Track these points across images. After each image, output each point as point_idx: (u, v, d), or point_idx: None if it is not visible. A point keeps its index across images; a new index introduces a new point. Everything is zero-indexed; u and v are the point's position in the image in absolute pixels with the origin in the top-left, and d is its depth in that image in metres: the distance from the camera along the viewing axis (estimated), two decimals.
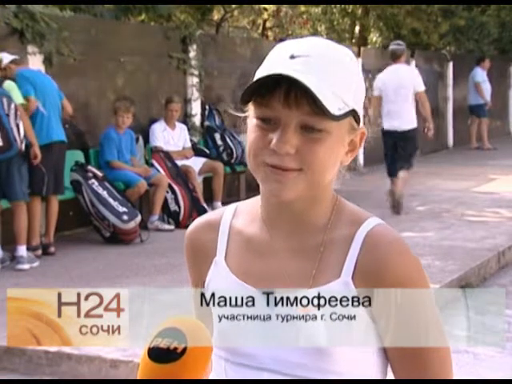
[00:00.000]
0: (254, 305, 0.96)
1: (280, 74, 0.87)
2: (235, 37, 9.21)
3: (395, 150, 5.99)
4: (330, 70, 0.91)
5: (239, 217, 1.01)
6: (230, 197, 7.10)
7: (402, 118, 5.97)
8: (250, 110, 0.93)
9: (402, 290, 0.92)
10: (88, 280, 4.36)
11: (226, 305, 0.99)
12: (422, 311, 0.94)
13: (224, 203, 6.51)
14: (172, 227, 5.86)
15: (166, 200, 5.95)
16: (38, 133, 4.71)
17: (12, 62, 4.77)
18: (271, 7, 11.50)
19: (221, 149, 6.86)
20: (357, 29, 12.36)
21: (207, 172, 6.51)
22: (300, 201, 0.94)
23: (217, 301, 1.00)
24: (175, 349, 0.92)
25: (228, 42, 7.95)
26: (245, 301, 0.97)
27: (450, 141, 12.14)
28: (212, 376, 1.02)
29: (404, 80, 5.99)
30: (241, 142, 6.95)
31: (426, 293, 0.95)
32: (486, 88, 11.45)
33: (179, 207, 5.99)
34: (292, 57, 0.90)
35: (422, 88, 6.06)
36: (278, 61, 0.91)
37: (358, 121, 0.95)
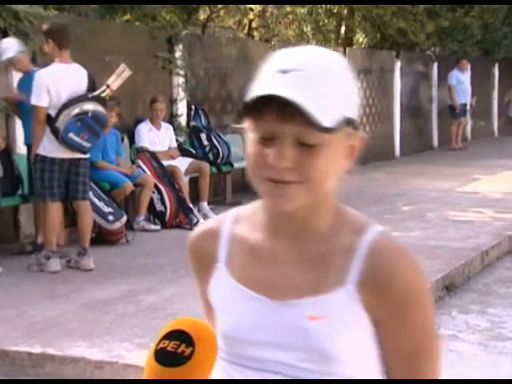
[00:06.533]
0: (258, 311, 0.98)
1: (270, 95, 0.89)
2: (221, 37, 9.19)
3: None
4: (322, 81, 0.92)
5: (240, 224, 1.03)
6: (216, 197, 7.09)
7: None
8: (247, 124, 0.95)
9: (406, 299, 0.94)
10: (73, 281, 4.33)
11: (229, 310, 1.00)
12: (422, 318, 0.96)
13: (210, 203, 6.51)
14: (158, 227, 5.84)
15: (151, 200, 5.93)
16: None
17: (23, 52, 4.68)
18: (257, 7, 11.51)
19: (207, 149, 6.85)
20: (342, 29, 12.41)
21: (193, 172, 6.49)
22: (301, 209, 0.95)
23: (220, 306, 1.01)
24: (183, 352, 0.91)
25: (214, 42, 7.94)
26: (248, 307, 0.98)
27: (435, 141, 12.24)
28: (214, 376, 1.02)
29: None
30: (227, 142, 6.95)
31: (427, 300, 0.98)
32: (463, 89, 11.50)
33: (165, 207, 5.97)
34: (284, 71, 0.91)
35: None
36: (270, 76, 0.93)
37: (354, 127, 0.96)
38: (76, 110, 4.39)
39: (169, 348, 0.91)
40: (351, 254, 0.95)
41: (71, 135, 4.37)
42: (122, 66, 4.65)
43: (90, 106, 4.44)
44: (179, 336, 0.92)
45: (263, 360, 0.97)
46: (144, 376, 0.94)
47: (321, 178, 0.93)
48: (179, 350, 0.91)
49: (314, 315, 0.94)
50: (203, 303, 1.07)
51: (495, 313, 3.97)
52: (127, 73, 4.61)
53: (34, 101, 4.39)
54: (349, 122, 0.94)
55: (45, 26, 4.53)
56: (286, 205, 0.93)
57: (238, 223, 1.03)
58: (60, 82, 4.37)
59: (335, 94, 0.92)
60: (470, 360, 3.25)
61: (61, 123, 4.35)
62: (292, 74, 0.91)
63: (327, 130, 0.90)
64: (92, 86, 4.54)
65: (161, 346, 0.92)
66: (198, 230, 1.07)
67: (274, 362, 0.96)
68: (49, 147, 4.41)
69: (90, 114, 4.44)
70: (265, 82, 0.93)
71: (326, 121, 0.90)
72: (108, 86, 4.54)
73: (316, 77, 0.91)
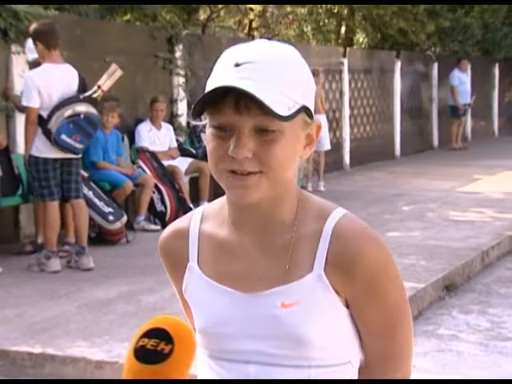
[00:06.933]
0: (232, 305, 0.99)
1: (227, 86, 0.91)
2: (221, 37, 9.20)
3: None
4: (275, 72, 0.94)
5: (208, 221, 1.04)
6: (217, 197, 7.07)
7: None
8: (206, 119, 0.96)
9: (373, 276, 0.97)
10: (73, 281, 4.33)
11: (204, 307, 1.01)
12: (390, 296, 0.99)
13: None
14: (158, 227, 5.84)
15: (152, 200, 5.93)
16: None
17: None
18: (257, 7, 11.51)
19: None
20: (343, 29, 12.41)
21: (193, 172, 6.50)
22: (265, 201, 0.97)
23: (195, 304, 1.03)
24: (162, 350, 0.92)
25: (214, 42, 7.94)
26: (222, 302, 1.00)
27: (435, 141, 12.24)
28: (199, 371, 1.05)
29: None
30: None
31: (394, 278, 1.00)
32: (465, 89, 11.53)
33: (165, 207, 5.97)
34: (237, 64, 0.93)
35: None
36: (224, 70, 0.95)
37: (310, 115, 0.98)
38: (68, 112, 4.38)
39: (148, 346, 0.93)
40: (317, 239, 0.97)
41: (63, 137, 4.36)
42: (114, 66, 4.63)
43: (82, 108, 4.43)
44: (158, 334, 0.93)
45: (243, 352, 0.98)
46: (123, 374, 0.95)
47: (281, 167, 0.94)
48: (159, 348, 0.92)
49: (285, 303, 0.96)
50: (181, 302, 1.09)
51: (495, 313, 3.96)
52: (118, 73, 4.58)
53: (24, 102, 4.38)
54: (304, 111, 0.96)
55: (31, 28, 4.47)
56: (249, 196, 0.95)
57: (205, 220, 1.05)
58: (51, 82, 4.36)
59: (289, 83, 0.94)
60: (470, 360, 3.25)
61: (53, 125, 4.34)
62: (245, 66, 0.93)
63: (283, 118, 0.92)
64: (83, 87, 4.53)
65: (140, 344, 0.93)
66: (167, 231, 1.09)
67: (253, 352, 0.98)
68: (41, 148, 4.40)
69: (82, 116, 4.42)
70: (220, 76, 0.94)
71: (282, 109, 0.92)
72: (99, 87, 4.52)
73: (269, 68, 0.93)
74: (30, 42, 4.79)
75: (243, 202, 0.96)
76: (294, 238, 0.98)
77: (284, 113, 0.92)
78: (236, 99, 0.91)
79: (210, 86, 0.94)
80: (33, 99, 4.33)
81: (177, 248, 1.05)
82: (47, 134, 4.36)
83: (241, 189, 0.95)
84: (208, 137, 0.96)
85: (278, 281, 0.97)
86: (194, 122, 0.96)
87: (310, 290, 0.96)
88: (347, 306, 0.98)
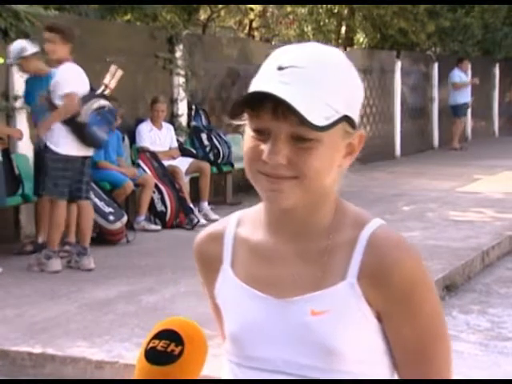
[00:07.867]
0: (263, 310, 0.98)
1: (264, 92, 0.90)
2: (222, 37, 9.20)
3: None
4: (317, 78, 0.91)
5: (243, 225, 1.03)
6: (217, 197, 7.10)
7: None
8: (247, 119, 0.95)
9: (407, 290, 0.94)
10: (73, 281, 4.33)
11: (236, 312, 1.00)
12: (426, 310, 0.96)
13: (211, 203, 6.51)
14: (158, 227, 5.85)
15: (152, 200, 5.93)
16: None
17: (35, 54, 4.69)
18: (258, 7, 11.52)
19: (207, 149, 6.86)
20: (343, 29, 12.41)
21: (194, 172, 6.50)
22: (301, 206, 0.95)
23: (227, 308, 1.02)
24: (172, 351, 0.93)
25: (214, 41, 7.94)
26: (254, 306, 0.98)
27: (435, 141, 12.24)
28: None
29: None
30: (227, 142, 6.95)
31: (430, 291, 0.98)
32: (466, 89, 11.60)
33: (166, 207, 5.97)
34: (280, 68, 0.92)
35: None
36: (267, 73, 0.94)
37: (353, 125, 0.95)
38: (95, 105, 4.50)
39: (159, 347, 0.93)
40: (352, 248, 0.96)
41: (95, 128, 4.48)
42: (113, 67, 4.79)
43: (105, 102, 4.58)
44: (169, 335, 0.94)
45: (270, 360, 0.97)
46: (134, 375, 0.95)
47: (316, 175, 0.93)
48: (169, 349, 0.93)
49: (316, 310, 0.94)
50: (212, 307, 1.07)
51: (495, 313, 3.97)
52: (120, 72, 4.76)
53: (67, 89, 4.38)
54: (346, 120, 0.94)
55: (67, 30, 4.56)
56: (281, 200, 0.93)
57: (241, 225, 1.03)
58: (76, 80, 4.49)
59: (331, 91, 0.92)
60: (470, 360, 3.25)
61: (84, 117, 4.42)
62: (288, 70, 0.91)
63: (319, 129, 0.90)
64: (90, 87, 4.66)
65: (151, 345, 0.94)
66: (202, 233, 1.07)
67: (280, 361, 0.96)
68: (63, 144, 4.40)
69: (107, 108, 4.56)
70: (261, 79, 0.94)
71: (319, 119, 0.90)
72: (106, 86, 4.67)
73: (312, 74, 0.91)
74: (13, 44, 4.81)
75: (277, 206, 0.95)
76: (328, 245, 0.96)
77: (321, 123, 0.89)
78: (274, 105, 0.90)
79: (252, 87, 0.93)
80: (75, 86, 4.41)
81: (211, 251, 1.04)
82: (79, 127, 4.40)
83: (273, 192, 0.93)
84: (246, 138, 0.95)
85: (310, 287, 0.95)
86: (234, 122, 0.94)
87: (341, 299, 0.94)
88: (379, 321, 0.95)
